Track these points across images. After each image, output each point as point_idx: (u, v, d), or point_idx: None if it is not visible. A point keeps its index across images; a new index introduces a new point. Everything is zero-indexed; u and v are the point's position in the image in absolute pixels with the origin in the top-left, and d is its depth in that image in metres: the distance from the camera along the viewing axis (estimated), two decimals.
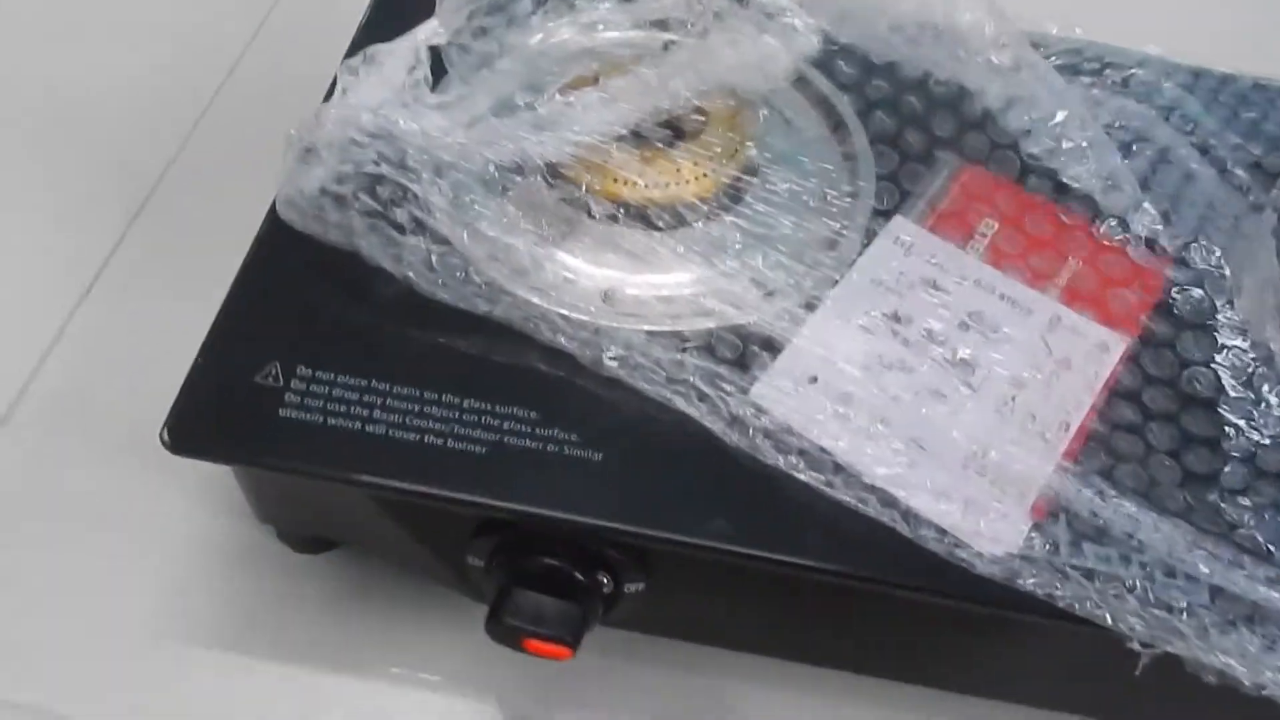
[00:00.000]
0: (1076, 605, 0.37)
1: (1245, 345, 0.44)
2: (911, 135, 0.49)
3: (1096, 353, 0.44)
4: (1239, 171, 0.49)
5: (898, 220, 0.47)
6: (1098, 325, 0.44)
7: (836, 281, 0.44)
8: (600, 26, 0.49)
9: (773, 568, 0.38)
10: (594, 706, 0.45)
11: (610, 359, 0.40)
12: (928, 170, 0.48)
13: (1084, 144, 0.47)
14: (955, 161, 0.48)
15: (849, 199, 0.47)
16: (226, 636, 0.46)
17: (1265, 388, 0.43)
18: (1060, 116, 0.47)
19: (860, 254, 0.45)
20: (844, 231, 0.46)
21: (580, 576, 0.38)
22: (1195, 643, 0.37)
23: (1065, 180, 0.47)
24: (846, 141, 0.49)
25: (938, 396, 0.42)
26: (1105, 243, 0.47)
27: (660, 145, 0.44)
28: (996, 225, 0.47)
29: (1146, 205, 0.47)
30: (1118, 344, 0.44)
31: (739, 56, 0.44)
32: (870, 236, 0.46)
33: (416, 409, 0.40)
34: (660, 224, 0.44)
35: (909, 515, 0.38)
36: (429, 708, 0.45)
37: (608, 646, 0.45)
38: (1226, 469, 0.41)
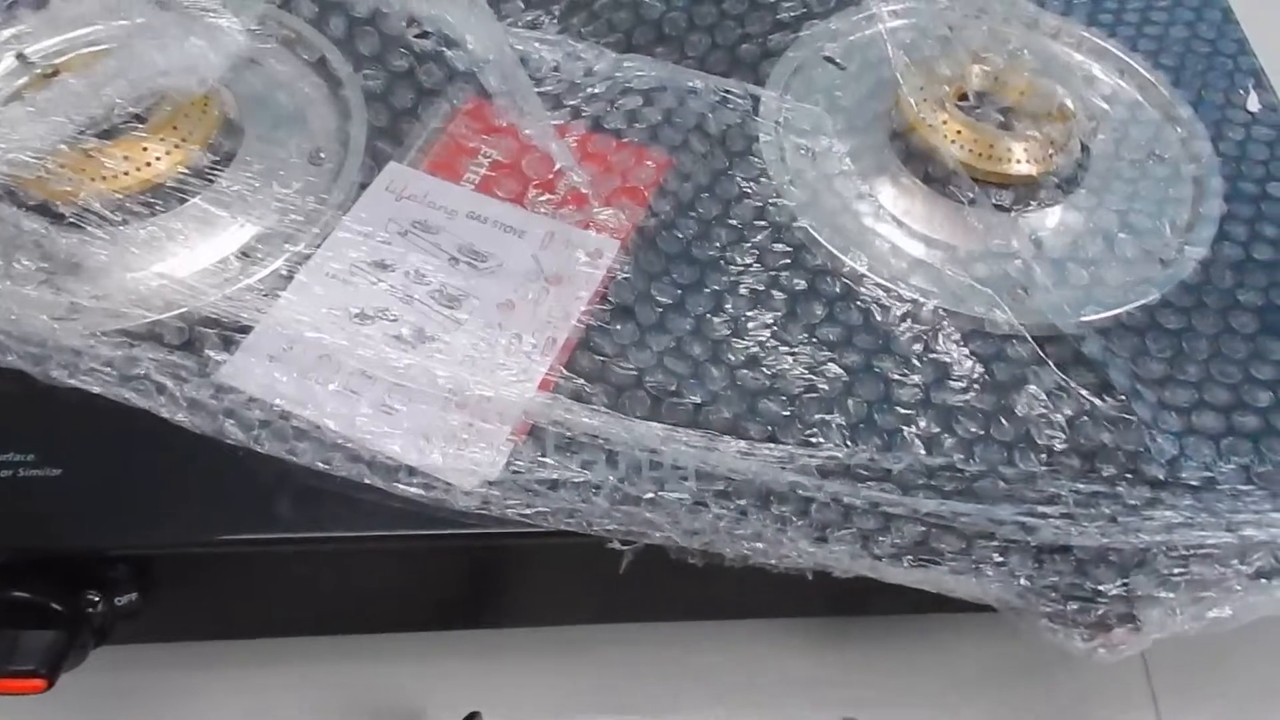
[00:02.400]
0: (552, 519, 0.37)
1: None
2: (401, 83, 0.48)
3: (592, 262, 0.43)
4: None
5: (391, 167, 0.45)
6: (592, 234, 0.44)
7: (322, 242, 0.43)
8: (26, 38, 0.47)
9: (252, 549, 0.37)
10: None
11: (58, 368, 0.39)
12: (422, 115, 0.47)
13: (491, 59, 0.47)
14: (447, 104, 0.47)
15: (343, 154, 0.46)
16: None
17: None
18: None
19: (350, 209, 0.44)
20: (333, 189, 0.44)
21: (56, 604, 0.37)
22: (669, 529, 0.37)
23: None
24: (340, 97, 0.47)
25: (423, 338, 0.41)
26: (597, 155, 0.46)
27: (101, 143, 0.41)
28: (493, 157, 0.46)
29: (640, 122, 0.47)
30: (613, 249, 0.44)
31: (168, 60, 0.43)
32: (362, 189, 0.45)
33: None
34: (122, 220, 0.42)
35: (379, 466, 0.37)
36: None
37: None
38: (706, 360, 0.41)
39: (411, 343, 0.41)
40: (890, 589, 0.38)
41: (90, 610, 0.37)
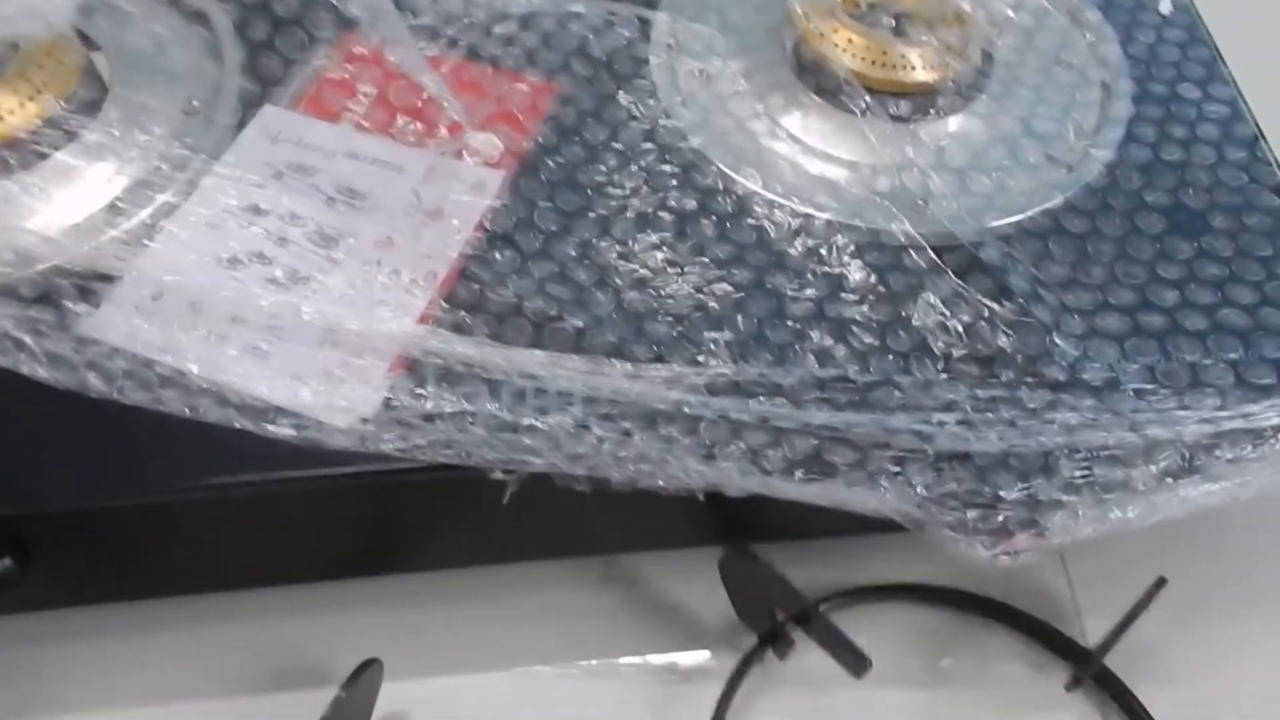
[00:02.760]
0: (429, 451, 0.35)
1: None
2: (272, 24, 0.46)
3: (472, 193, 0.42)
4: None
5: (266, 110, 0.44)
6: (474, 166, 0.43)
7: (192, 190, 0.41)
8: None
9: (128, 505, 0.36)
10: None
11: None
12: (296, 56, 0.45)
13: None
14: (321, 43, 0.46)
15: (215, 99, 0.44)
16: None
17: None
18: None
19: (222, 155, 0.43)
20: (205, 136, 0.43)
21: None
22: (550, 456, 0.36)
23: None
24: (213, 42, 0.46)
25: (297, 279, 0.39)
26: (473, 84, 0.45)
27: None
28: (370, 94, 0.45)
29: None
30: (495, 179, 0.42)
31: (14, 6, 0.41)
32: (237, 133, 0.43)
33: None
34: None
35: (248, 409, 0.36)
36: None
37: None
38: (592, 285, 0.40)
39: (285, 284, 0.39)
40: (787, 510, 0.37)
41: None
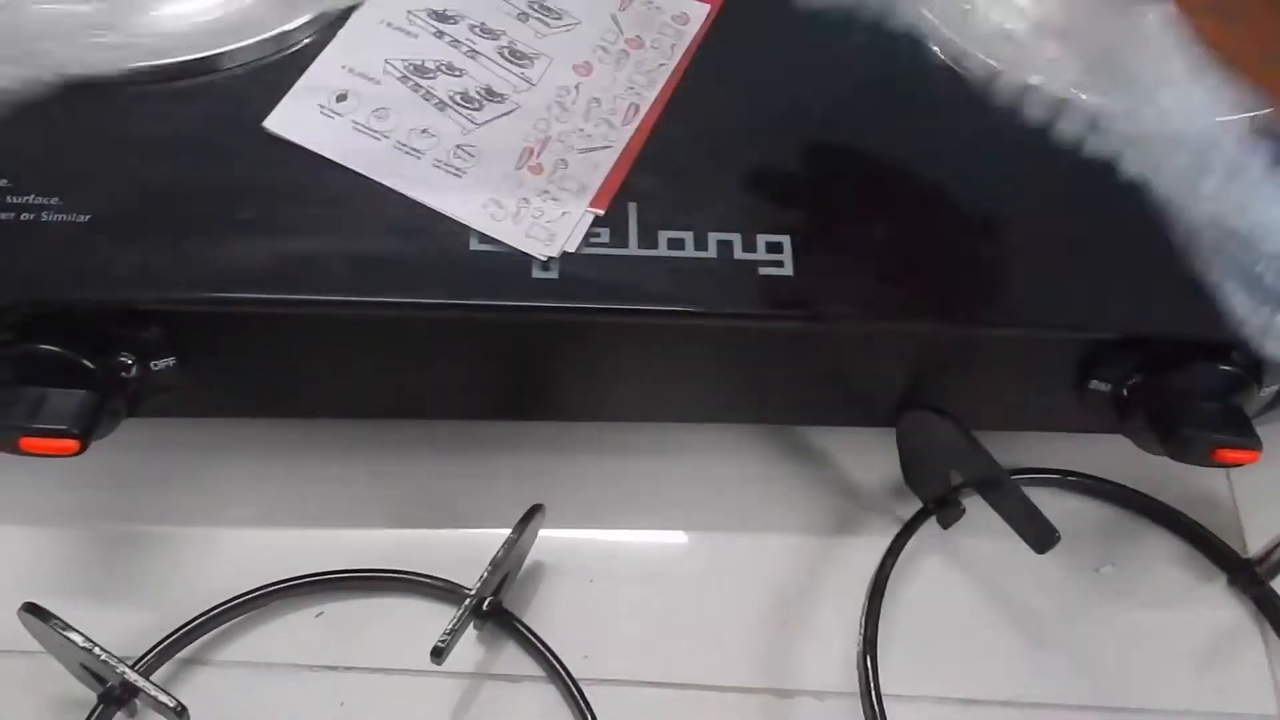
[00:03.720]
0: (621, 297, 0.34)
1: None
2: None
3: (674, 26, 0.39)
4: None
5: None
6: None
7: None
8: None
9: (298, 310, 0.33)
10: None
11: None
12: None
13: None
14: None
15: None
16: None
17: None
18: None
19: None
20: None
21: (87, 362, 0.33)
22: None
23: None
24: None
25: (491, 96, 0.37)
26: None
27: None
28: None
29: None
30: (700, 12, 0.40)
31: None
32: None
33: None
34: None
35: (443, 229, 0.34)
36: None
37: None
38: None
39: (479, 101, 0.37)
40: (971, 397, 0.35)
41: (125, 374, 0.34)
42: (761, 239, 0.35)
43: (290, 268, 0.33)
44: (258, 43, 0.37)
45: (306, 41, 0.37)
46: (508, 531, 0.36)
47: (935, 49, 0.40)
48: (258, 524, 0.39)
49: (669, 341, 0.36)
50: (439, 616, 0.37)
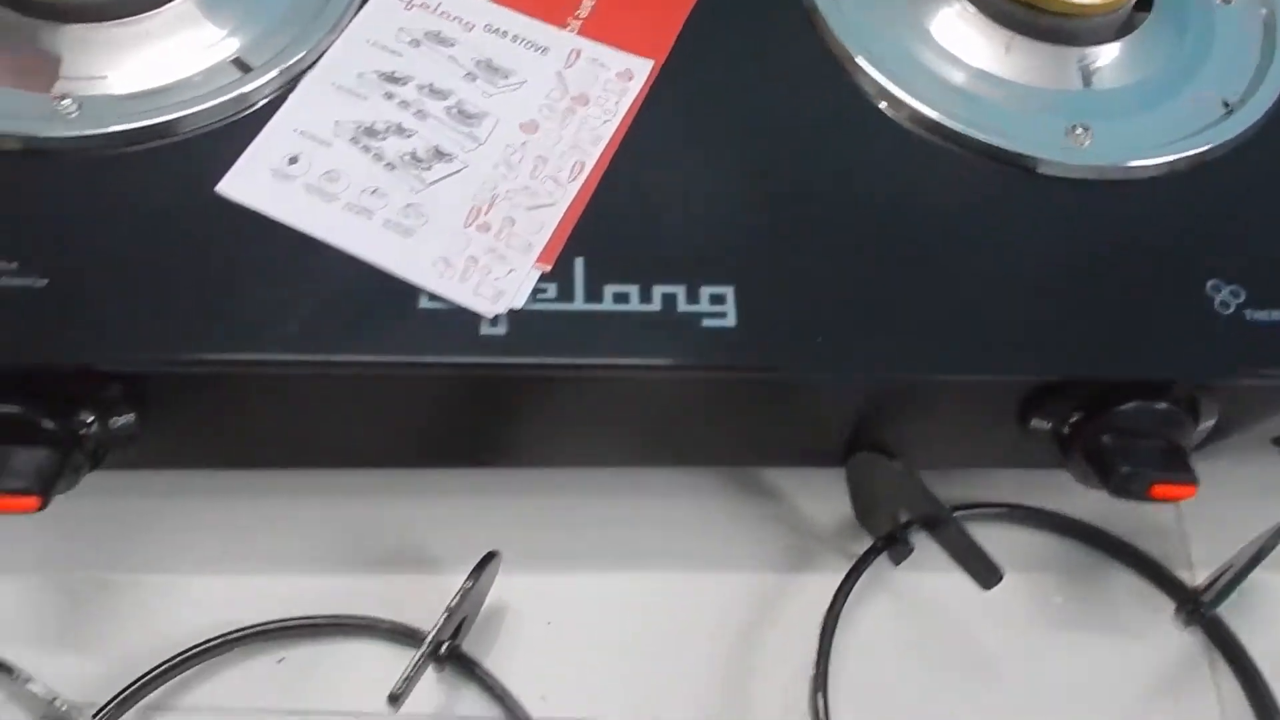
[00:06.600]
0: (570, 351, 0.35)
1: None
2: None
3: (618, 82, 0.40)
4: None
5: None
6: (622, 53, 0.41)
7: (324, 51, 0.39)
8: None
9: (255, 370, 0.34)
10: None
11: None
12: None
13: None
14: None
15: None
16: None
17: None
18: None
19: (354, 15, 0.40)
20: None
21: (47, 421, 0.34)
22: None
23: None
24: None
25: (440, 156, 0.38)
26: None
27: None
28: None
29: None
30: (643, 69, 0.41)
31: None
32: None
33: None
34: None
35: (393, 288, 0.35)
36: None
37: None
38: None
39: (428, 161, 0.38)
40: (917, 438, 0.36)
41: (84, 431, 0.35)
42: (705, 290, 0.36)
43: (244, 328, 0.34)
44: (216, 105, 0.38)
45: (263, 103, 0.38)
46: (464, 575, 0.37)
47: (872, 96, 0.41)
48: (218, 570, 0.40)
49: (618, 392, 0.37)
50: (399, 660, 0.37)
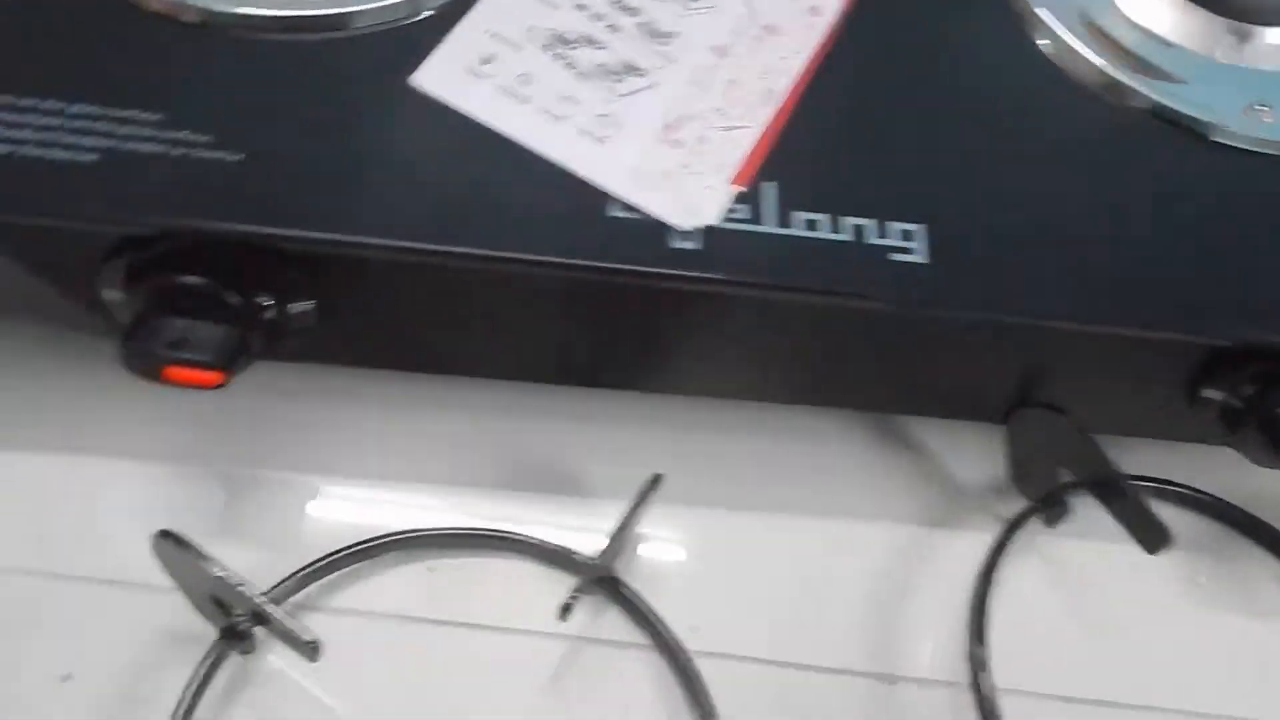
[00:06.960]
0: (758, 273, 0.34)
1: None
2: None
3: (806, 15, 0.40)
4: None
5: None
6: None
7: None
8: None
9: (453, 262, 0.33)
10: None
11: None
12: None
13: None
14: None
15: None
16: None
17: None
18: None
19: None
20: None
21: (231, 297, 0.34)
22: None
23: None
24: None
25: (631, 70, 0.37)
26: None
27: None
28: None
29: None
30: (832, 4, 0.40)
31: None
32: None
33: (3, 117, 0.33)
34: None
35: (585, 192, 0.34)
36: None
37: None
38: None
39: (620, 74, 0.37)
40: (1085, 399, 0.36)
41: (263, 315, 0.34)
42: (896, 225, 0.35)
43: (434, 220, 0.34)
44: (387, 6, 0.38)
45: (431, 12, 0.38)
46: (615, 501, 0.36)
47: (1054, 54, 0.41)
48: (372, 476, 0.40)
49: (794, 321, 0.36)
50: (546, 580, 0.37)
